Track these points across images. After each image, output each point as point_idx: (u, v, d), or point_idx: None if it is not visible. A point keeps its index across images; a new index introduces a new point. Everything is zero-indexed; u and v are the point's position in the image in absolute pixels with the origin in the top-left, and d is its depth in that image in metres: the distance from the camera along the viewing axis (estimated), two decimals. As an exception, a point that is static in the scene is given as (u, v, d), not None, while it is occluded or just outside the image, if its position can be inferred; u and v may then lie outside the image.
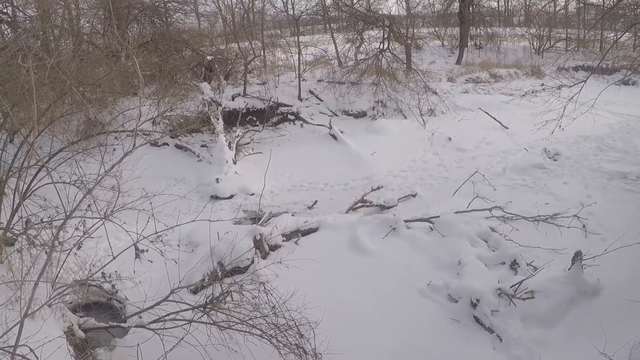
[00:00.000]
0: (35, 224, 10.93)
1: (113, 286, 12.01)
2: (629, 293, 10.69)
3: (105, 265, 10.56)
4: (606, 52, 21.23)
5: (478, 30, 37.51)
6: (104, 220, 9.60)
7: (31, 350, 6.83)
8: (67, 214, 8.97)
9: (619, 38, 21.61)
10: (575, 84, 17.41)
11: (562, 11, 42.22)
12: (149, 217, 10.53)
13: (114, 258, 10.26)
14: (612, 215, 15.20)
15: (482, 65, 32.49)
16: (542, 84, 26.54)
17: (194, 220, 11.22)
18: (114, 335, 10.71)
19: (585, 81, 17.16)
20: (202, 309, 9.67)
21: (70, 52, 20.19)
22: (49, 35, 21.85)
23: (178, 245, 11.83)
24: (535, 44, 36.87)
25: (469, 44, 35.73)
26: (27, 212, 11.22)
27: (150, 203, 10.35)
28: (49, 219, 10.91)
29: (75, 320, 9.99)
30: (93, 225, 9.95)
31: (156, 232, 10.66)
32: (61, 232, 10.34)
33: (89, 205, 10.16)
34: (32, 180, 10.69)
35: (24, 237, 10.72)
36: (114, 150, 17.20)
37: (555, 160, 19.73)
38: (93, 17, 24.62)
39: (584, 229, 14.59)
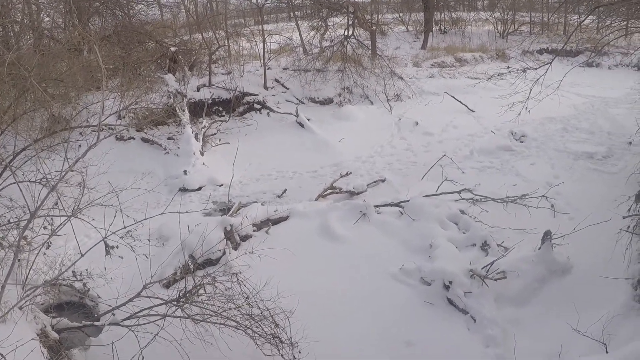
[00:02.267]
0: (2, 225, 10.74)
1: (84, 285, 11.87)
2: (598, 270, 10.85)
3: (74, 264, 10.39)
4: (570, 35, 21.31)
5: (442, 15, 37.63)
6: (70, 217, 9.45)
7: (2, 355, 6.72)
8: (32, 214, 8.82)
9: (583, 21, 21.88)
10: (540, 66, 17.56)
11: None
12: (117, 212, 10.37)
13: (82, 255, 10.10)
14: (579, 195, 15.45)
15: (447, 49, 32.59)
16: (508, 67, 26.75)
17: (162, 214, 11.09)
18: (88, 334, 10.63)
19: (550, 63, 17.35)
20: (175, 303, 9.60)
21: (31, 48, 19.87)
22: (9, 31, 21.50)
23: (148, 240, 11.71)
24: (499, 27, 37.04)
25: (433, 28, 35.80)
26: (-7, 214, 11.01)
27: (117, 197, 10.17)
28: (16, 219, 10.73)
29: (47, 322, 9.87)
30: (61, 224, 9.81)
31: (124, 227, 10.49)
32: (29, 232, 10.19)
33: (55, 204, 10.02)
34: (-4, 181, 10.52)
35: (-9, 239, 10.54)
36: (80, 146, 16.96)
37: (522, 142, 19.91)
38: (54, 11, 24.24)
39: (553, 209, 14.80)
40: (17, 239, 9.03)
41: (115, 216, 10.44)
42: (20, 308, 9.08)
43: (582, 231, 11.96)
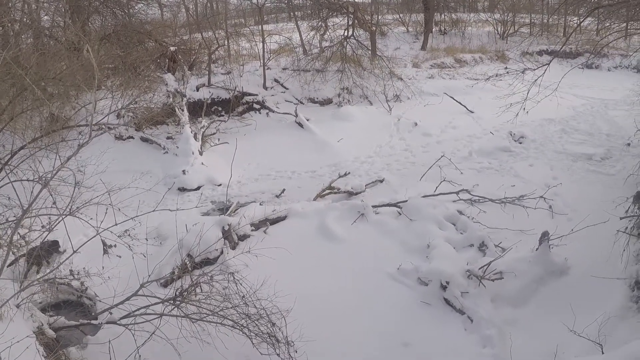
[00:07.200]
0: (0, 224, 10.76)
1: (82, 283, 11.90)
2: (596, 271, 10.84)
3: (67, 259, 10.43)
4: (569, 36, 21.30)
5: (442, 16, 37.57)
6: (64, 216, 9.45)
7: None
8: (24, 210, 8.84)
9: (582, 22, 21.84)
10: (538, 67, 17.52)
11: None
12: (108, 210, 10.35)
13: (75, 251, 10.11)
14: (577, 196, 15.42)
15: (447, 50, 32.53)
16: (506, 68, 26.74)
17: (155, 210, 11.07)
18: (85, 332, 10.65)
19: (548, 64, 17.31)
20: (172, 302, 9.64)
21: (30, 47, 19.88)
22: (8, 30, 21.50)
23: (146, 239, 11.73)
24: (499, 29, 37.00)
25: (433, 29, 35.76)
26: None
27: (109, 196, 10.17)
28: (14, 217, 10.75)
29: (44, 320, 9.88)
30: (55, 221, 9.82)
31: (116, 224, 10.44)
32: (26, 230, 10.19)
33: (54, 203, 10.04)
34: (-6, 180, 10.55)
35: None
36: (78, 144, 16.98)
37: (520, 143, 19.89)
38: (53, 11, 24.25)
39: (551, 210, 14.79)
40: (9, 236, 9.04)
41: (106, 214, 10.42)
42: (18, 306, 9.09)
43: (579, 232, 12.02)
